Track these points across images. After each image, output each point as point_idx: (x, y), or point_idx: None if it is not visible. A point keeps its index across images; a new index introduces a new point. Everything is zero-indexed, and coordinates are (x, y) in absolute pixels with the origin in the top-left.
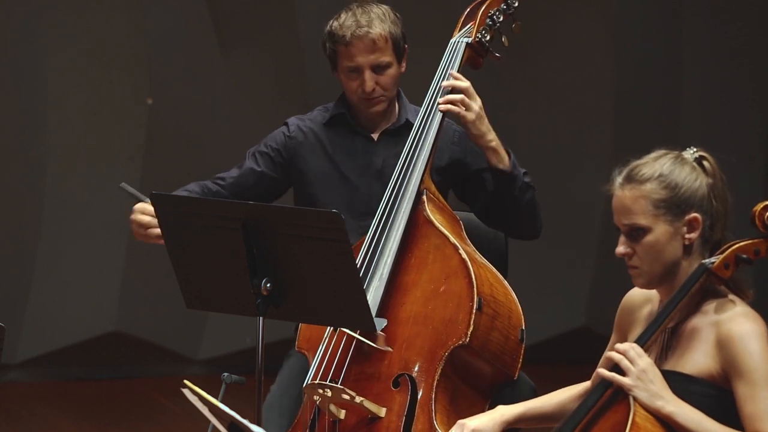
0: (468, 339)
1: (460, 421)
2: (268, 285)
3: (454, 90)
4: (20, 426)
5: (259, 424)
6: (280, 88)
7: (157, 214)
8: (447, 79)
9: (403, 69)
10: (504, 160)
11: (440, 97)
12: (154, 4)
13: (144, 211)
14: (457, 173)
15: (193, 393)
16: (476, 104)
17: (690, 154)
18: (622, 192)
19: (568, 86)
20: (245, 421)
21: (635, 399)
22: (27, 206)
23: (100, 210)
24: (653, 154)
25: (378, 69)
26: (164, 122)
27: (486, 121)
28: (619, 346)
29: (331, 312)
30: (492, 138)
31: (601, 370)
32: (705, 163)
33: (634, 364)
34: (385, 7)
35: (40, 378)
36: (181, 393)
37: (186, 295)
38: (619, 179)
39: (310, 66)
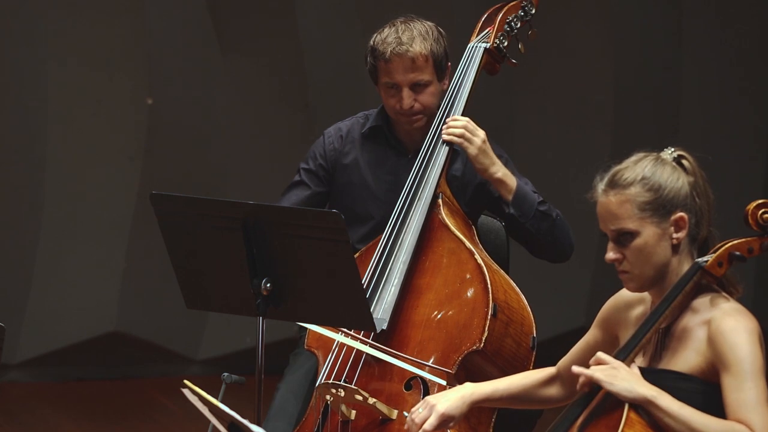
0: (482, 345)
1: (427, 399)
2: (268, 285)
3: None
4: (20, 426)
5: (259, 424)
6: (280, 88)
7: (157, 214)
8: (445, 124)
9: (445, 86)
10: (511, 192)
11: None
12: (155, 6)
13: None
14: (484, 195)
15: (193, 393)
16: (478, 138)
17: (668, 154)
18: (606, 198)
19: (568, 86)
20: (245, 421)
21: (617, 393)
22: (27, 206)
23: (100, 210)
24: (633, 158)
25: (417, 87)
26: (164, 122)
27: (490, 153)
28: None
29: (331, 312)
30: (496, 170)
31: (575, 368)
32: (684, 162)
33: (606, 362)
34: (429, 24)
35: (40, 378)
36: (181, 393)
37: (186, 295)
38: (601, 185)
39: (310, 67)
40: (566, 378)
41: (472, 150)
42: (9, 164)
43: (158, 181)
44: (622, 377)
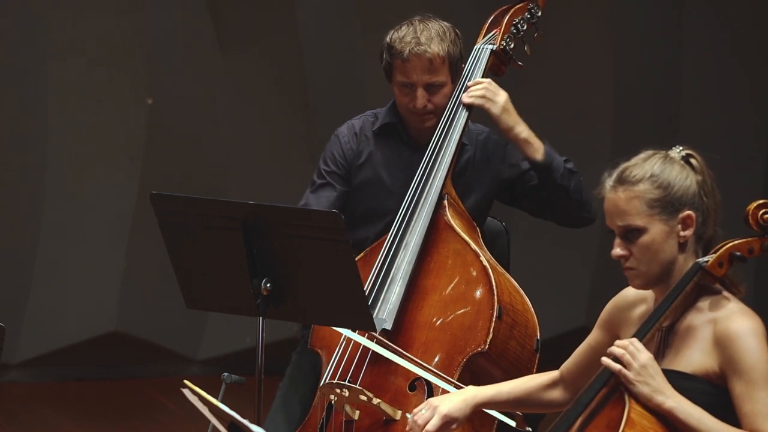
0: (487, 346)
1: (430, 400)
2: (268, 285)
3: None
4: (20, 426)
5: (259, 424)
6: (280, 88)
7: (157, 214)
8: (466, 90)
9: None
10: (539, 150)
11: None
12: (155, 5)
13: None
14: (505, 186)
15: (193, 393)
16: (500, 98)
17: (677, 152)
18: (614, 194)
19: (568, 86)
20: (245, 421)
21: (636, 394)
22: (27, 207)
23: (100, 210)
24: (642, 155)
25: (431, 88)
26: (164, 122)
27: (514, 113)
28: (619, 342)
29: (331, 312)
30: (521, 130)
31: (606, 360)
32: (692, 160)
33: (635, 359)
34: (446, 25)
35: (40, 378)
36: (181, 393)
37: (186, 295)
38: (609, 182)
39: (309, 66)
40: (569, 382)
41: (495, 109)
42: (9, 164)
43: (158, 181)
44: (644, 381)
